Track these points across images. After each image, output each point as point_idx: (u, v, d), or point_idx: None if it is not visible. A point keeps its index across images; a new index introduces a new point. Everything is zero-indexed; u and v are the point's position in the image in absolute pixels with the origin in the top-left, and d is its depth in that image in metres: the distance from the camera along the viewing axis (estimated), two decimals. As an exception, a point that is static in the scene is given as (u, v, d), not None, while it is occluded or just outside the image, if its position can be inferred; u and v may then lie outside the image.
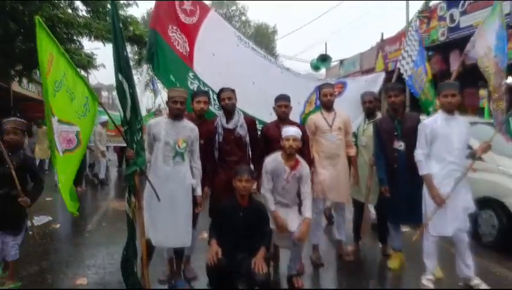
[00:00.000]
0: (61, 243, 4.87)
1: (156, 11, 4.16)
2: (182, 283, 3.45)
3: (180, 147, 3.23)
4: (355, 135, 4.29)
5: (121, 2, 11.54)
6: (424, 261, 3.43)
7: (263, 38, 34.66)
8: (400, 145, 3.68)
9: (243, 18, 35.25)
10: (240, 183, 3.11)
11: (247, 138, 3.70)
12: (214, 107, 4.26)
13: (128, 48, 14.32)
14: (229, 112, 3.67)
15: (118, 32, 2.84)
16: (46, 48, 2.58)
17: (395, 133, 3.71)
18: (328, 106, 3.98)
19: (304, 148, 3.60)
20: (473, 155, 3.45)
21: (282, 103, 3.70)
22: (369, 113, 4.20)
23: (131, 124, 2.92)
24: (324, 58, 17.66)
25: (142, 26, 12.96)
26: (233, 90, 3.69)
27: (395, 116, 3.77)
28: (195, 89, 4.10)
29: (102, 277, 3.66)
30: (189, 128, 3.31)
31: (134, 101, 2.91)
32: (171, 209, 3.18)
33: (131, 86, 2.89)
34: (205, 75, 4.26)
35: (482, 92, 9.64)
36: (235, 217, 3.14)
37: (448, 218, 3.26)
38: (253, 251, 3.07)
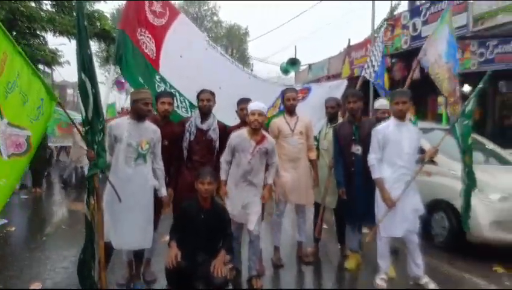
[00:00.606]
0: (16, 246, 4.69)
1: (126, 12, 4.11)
2: (142, 285, 3.42)
3: (143, 148, 3.21)
4: (317, 139, 4.41)
5: (89, -1, 11.25)
6: (378, 262, 3.58)
7: (235, 39, 34.65)
8: (357, 149, 3.82)
9: (215, 18, 35.06)
10: (202, 186, 3.13)
11: (217, 143, 3.74)
12: (181, 110, 4.25)
13: (96, 44, 13.90)
14: (205, 113, 3.72)
15: (83, 30, 2.80)
16: (0, 46, 2.48)
17: (353, 138, 3.85)
18: (290, 110, 4.07)
19: None
20: (422, 160, 3.63)
21: (244, 106, 3.75)
22: (331, 118, 4.34)
23: (93, 124, 2.88)
24: (293, 62, 17.88)
25: (111, 22, 12.62)
26: (212, 93, 3.75)
27: (353, 122, 3.92)
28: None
29: (58, 281, 3.57)
30: (151, 130, 3.29)
31: (96, 101, 2.87)
32: (132, 211, 3.15)
33: (94, 85, 2.86)
34: (172, 77, 4.23)
35: (440, 99, 10.12)
36: (197, 220, 3.16)
37: (398, 220, 3.42)
38: (213, 253, 3.11)
